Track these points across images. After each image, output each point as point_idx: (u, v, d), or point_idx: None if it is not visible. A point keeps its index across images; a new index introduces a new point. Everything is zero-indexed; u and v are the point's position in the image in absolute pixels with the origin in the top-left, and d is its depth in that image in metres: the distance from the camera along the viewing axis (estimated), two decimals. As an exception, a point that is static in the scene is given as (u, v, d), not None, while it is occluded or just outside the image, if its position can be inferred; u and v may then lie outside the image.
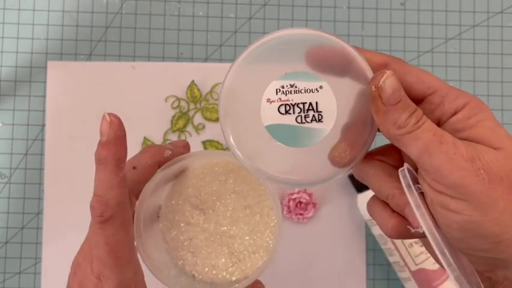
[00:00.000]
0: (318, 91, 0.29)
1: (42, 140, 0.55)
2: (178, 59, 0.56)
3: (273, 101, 0.28)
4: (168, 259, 0.36)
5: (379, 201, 0.31)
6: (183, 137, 0.55)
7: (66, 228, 0.54)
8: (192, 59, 0.56)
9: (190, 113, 0.55)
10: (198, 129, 0.55)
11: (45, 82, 0.55)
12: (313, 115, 0.29)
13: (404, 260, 0.50)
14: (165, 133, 0.55)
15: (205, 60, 0.56)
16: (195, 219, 0.36)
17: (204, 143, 0.55)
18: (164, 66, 0.56)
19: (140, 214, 0.35)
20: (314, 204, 0.54)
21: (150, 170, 0.35)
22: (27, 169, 0.55)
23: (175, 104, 0.55)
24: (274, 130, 0.29)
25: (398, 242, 0.50)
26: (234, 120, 0.28)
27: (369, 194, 0.51)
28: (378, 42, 0.57)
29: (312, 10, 0.57)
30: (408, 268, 0.50)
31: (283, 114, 0.28)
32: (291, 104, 0.28)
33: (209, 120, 0.55)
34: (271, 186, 0.35)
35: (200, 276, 0.36)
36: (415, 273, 0.50)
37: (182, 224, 0.36)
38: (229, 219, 0.36)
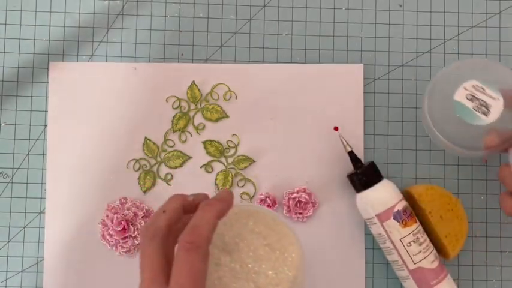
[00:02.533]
0: (493, 99, 0.47)
1: (44, 140, 0.55)
2: (179, 59, 0.56)
3: (467, 90, 0.48)
4: None
5: None
6: (183, 137, 0.56)
7: (68, 227, 0.54)
8: (192, 60, 0.56)
9: (191, 113, 0.56)
10: (199, 129, 0.56)
11: (47, 83, 0.56)
12: (484, 110, 0.47)
13: (402, 259, 0.51)
14: (166, 133, 0.55)
15: (206, 61, 0.56)
16: (222, 260, 0.40)
17: (204, 143, 0.55)
18: (165, 67, 0.56)
19: None
20: (313, 204, 0.54)
21: (177, 213, 0.39)
22: (29, 169, 0.55)
23: (176, 104, 0.56)
24: (458, 106, 0.48)
25: (396, 241, 0.50)
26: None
27: (368, 193, 0.52)
28: (376, 43, 0.57)
29: (311, 11, 0.57)
30: (406, 267, 0.51)
31: (469, 99, 0.48)
32: (476, 97, 0.48)
33: (209, 120, 0.56)
34: (288, 225, 0.41)
35: None
36: (414, 272, 0.51)
37: (212, 266, 0.40)
38: (252, 258, 0.40)
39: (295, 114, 0.56)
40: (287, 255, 0.41)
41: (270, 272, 0.40)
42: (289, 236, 0.41)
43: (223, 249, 0.41)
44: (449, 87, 0.48)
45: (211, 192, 0.55)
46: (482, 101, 0.48)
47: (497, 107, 0.47)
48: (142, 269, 0.38)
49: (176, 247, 0.37)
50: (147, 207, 0.55)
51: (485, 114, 0.47)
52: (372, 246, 0.55)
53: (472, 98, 0.48)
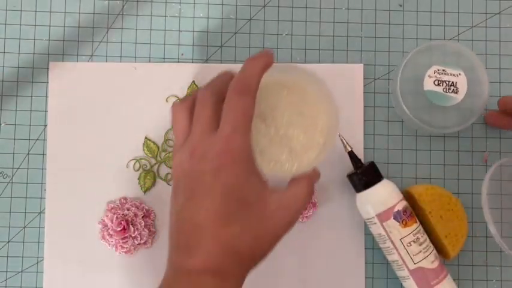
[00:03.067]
0: (456, 76, 0.53)
1: (44, 140, 0.55)
2: (179, 59, 0.56)
3: (431, 77, 0.53)
4: None
5: None
6: (183, 137, 0.55)
7: (68, 227, 0.54)
8: (192, 60, 0.56)
9: (191, 113, 0.56)
10: (199, 129, 0.56)
11: (47, 83, 0.56)
12: (453, 89, 0.53)
13: (402, 259, 0.51)
14: (166, 133, 0.55)
15: (206, 61, 0.56)
16: (258, 126, 0.43)
17: (204, 143, 0.55)
18: (165, 67, 0.56)
19: None
20: (313, 204, 0.54)
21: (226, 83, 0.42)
22: (29, 169, 0.55)
23: (176, 104, 0.56)
24: (430, 94, 0.53)
25: (396, 241, 0.50)
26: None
27: (368, 193, 0.52)
28: (376, 43, 0.57)
29: (311, 11, 0.57)
30: (406, 267, 0.51)
31: (436, 85, 0.53)
32: (441, 80, 0.53)
33: (209, 120, 0.55)
34: (323, 96, 0.44)
35: (266, 172, 0.42)
36: (414, 272, 0.51)
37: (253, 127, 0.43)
38: (286, 124, 0.44)
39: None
40: (317, 122, 0.44)
41: (302, 137, 0.44)
42: (320, 106, 0.44)
43: (259, 116, 0.43)
44: (414, 74, 0.54)
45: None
46: (448, 81, 0.53)
47: (462, 81, 0.53)
48: (197, 118, 0.40)
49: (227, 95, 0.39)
50: (147, 207, 0.55)
51: (456, 92, 0.53)
52: (372, 246, 0.55)
53: (439, 82, 0.53)
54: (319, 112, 0.44)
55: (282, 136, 0.44)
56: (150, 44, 0.56)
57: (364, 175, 0.52)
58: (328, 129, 0.44)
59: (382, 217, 0.51)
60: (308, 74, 0.45)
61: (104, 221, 0.54)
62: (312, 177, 0.43)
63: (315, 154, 0.44)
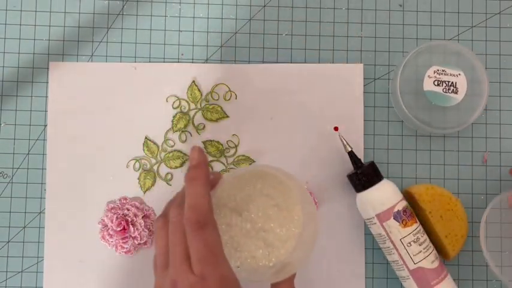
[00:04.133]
0: (456, 76, 0.53)
1: (44, 140, 0.55)
2: (179, 59, 0.56)
3: (431, 77, 0.53)
4: None
5: None
6: (183, 137, 0.56)
7: (68, 227, 0.54)
8: (192, 60, 0.56)
9: (191, 113, 0.56)
10: (199, 129, 0.56)
11: (47, 83, 0.56)
12: (453, 89, 0.53)
13: (402, 259, 0.51)
14: (166, 133, 0.55)
15: (206, 61, 0.56)
16: (233, 220, 0.43)
17: (204, 142, 0.55)
18: (165, 67, 0.56)
19: None
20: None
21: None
22: (29, 169, 0.55)
23: (176, 104, 0.56)
24: (430, 95, 0.53)
25: (397, 241, 0.50)
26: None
27: (368, 193, 0.52)
28: (376, 43, 0.57)
29: (311, 11, 0.57)
30: (407, 267, 0.51)
31: (436, 85, 0.53)
32: (441, 80, 0.53)
33: (209, 120, 0.56)
34: (297, 187, 0.43)
35: (243, 267, 0.43)
36: (414, 272, 0.51)
37: (223, 226, 0.43)
38: (262, 217, 0.43)
39: (295, 114, 0.56)
40: (293, 214, 0.43)
41: (278, 230, 0.43)
42: (294, 197, 0.43)
43: (234, 210, 0.43)
44: (414, 74, 0.54)
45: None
46: (448, 81, 0.53)
47: (462, 81, 0.53)
48: (172, 252, 0.39)
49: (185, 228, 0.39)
50: (147, 207, 0.55)
51: (455, 92, 0.53)
52: (372, 246, 0.55)
53: (439, 82, 0.53)
54: (294, 203, 0.43)
55: (258, 230, 0.43)
56: (150, 44, 0.56)
57: (364, 175, 0.52)
58: (305, 219, 0.43)
59: (382, 217, 0.51)
60: (276, 168, 0.44)
61: (104, 221, 0.54)
62: (290, 282, 0.43)
63: (292, 246, 0.43)
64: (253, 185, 0.44)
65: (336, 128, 0.56)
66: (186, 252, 0.38)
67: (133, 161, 0.55)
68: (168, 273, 0.39)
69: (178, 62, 0.56)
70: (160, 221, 0.41)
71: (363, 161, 0.54)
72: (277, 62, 0.56)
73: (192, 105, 0.56)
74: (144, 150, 0.55)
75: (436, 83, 0.53)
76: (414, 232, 0.51)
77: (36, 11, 0.56)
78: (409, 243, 0.50)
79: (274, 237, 0.43)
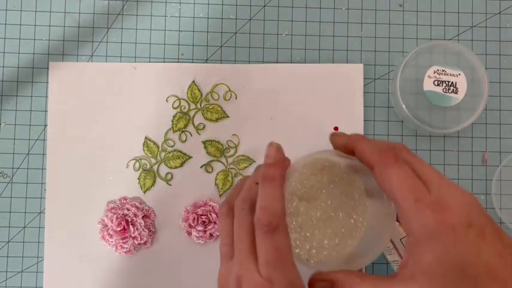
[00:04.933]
0: (456, 76, 0.53)
1: (44, 140, 0.55)
2: (179, 59, 0.56)
3: (431, 77, 0.53)
4: None
5: None
6: (183, 137, 0.56)
7: (68, 227, 0.54)
8: (192, 60, 0.56)
9: (191, 113, 0.56)
10: (199, 129, 0.56)
11: (47, 83, 0.56)
12: (453, 89, 0.53)
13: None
14: (166, 133, 0.55)
15: (206, 61, 0.56)
16: (301, 209, 0.42)
17: (204, 142, 0.55)
18: (165, 67, 0.56)
19: None
20: (313, 204, 0.54)
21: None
22: (29, 169, 0.55)
23: (176, 104, 0.56)
24: (430, 95, 0.53)
25: (397, 241, 0.50)
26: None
27: (367, 193, 0.52)
28: (376, 43, 0.57)
29: (311, 11, 0.57)
30: (407, 267, 0.51)
31: (436, 85, 0.53)
32: (441, 80, 0.53)
33: (209, 120, 0.56)
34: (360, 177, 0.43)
35: (313, 260, 0.42)
36: (414, 271, 0.51)
37: (292, 215, 0.42)
38: (331, 206, 0.43)
39: (295, 114, 0.56)
40: (359, 203, 0.43)
41: (347, 219, 0.42)
42: (359, 187, 0.43)
43: (303, 198, 0.42)
44: (414, 74, 0.54)
45: (211, 191, 0.55)
46: (448, 81, 0.53)
47: (462, 81, 0.53)
48: (238, 240, 0.38)
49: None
50: (147, 207, 0.55)
51: (455, 92, 0.53)
52: (372, 246, 0.55)
53: (439, 82, 0.53)
54: (361, 193, 0.43)
55: (325, 219, 0.42)
56: (150, 44, 0.56)
57: (364, 175, 0.52)
58: (373, 210, 0.42)
59: (382, 217, 0.51)
60: (340, 155, 0.43)
61: (104, 221, 0.54)
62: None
63: (359, 237, 0.42)
64: (320, 173, 0.43)
65: (336, 128, 0.56)
66: (252, 250, 0.37)
67: (133, 161, 0.55)
68: (233, 265, 0.38)
69: (178, 62, 0.56)
70: (224, 208, 0.40)
71: (363, 161, 0.54)
72: (277, 62, 0.56)
73: (192, 105, 0.56)
74: (144, 150, 0.55)
75: (436, 83, 0.53)
76: (414, 232, 0.51)
77: (36, 11, 0.56)
78: (409, 243, 0.50)
79: (343, 227, 0.42)
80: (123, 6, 0.57)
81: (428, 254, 0.33)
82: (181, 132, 0.56)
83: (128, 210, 0.54)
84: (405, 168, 0.36)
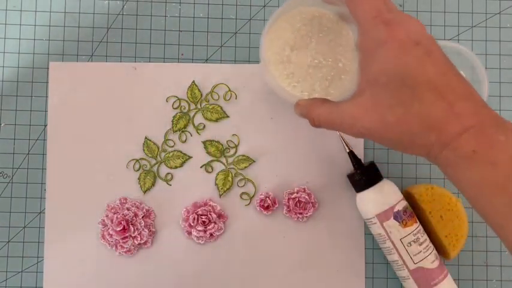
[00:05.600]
0: None
1: (44, 140, 0.55)
2: (179, 59, 0.56)
3: None
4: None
5: None
6: (183, 137, 0.56)
7: (68, 227, 0.54)
8: (192, 60, 0.56)
9: (191, 113, 0.56)
10: (199, 129, 0.56)
11: (47, 83, 0.56)
12: None
13: (402, 259, 0.51)
14: (166, 133, 0.55)
15: (206, 61, 0.56)
16: (293, 56, 0.48)
17: (204, 143, 0.55)
18: (165, 67, 0.56)
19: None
20: (313, 204, 0.54)
21: None
22: (29, 169, 0.55)
23: (176, 104, 0.56)
24: None
25: (397, 241, 0.50)
26: None
27: (368, 193, 0.52)
28: (376, 43, 0.57)
29: (311, 11, 0.57)
30: (407, 267, 0.51)
31: None
32: None
33: (209, 120, 0.56)
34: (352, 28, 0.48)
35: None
36: (414, 272, 0.51)
37: (285, 61, 0.48)
38: (319, 53, 0.48)
39: (295, 114, 0.56)
40: (348, 48, 0.48)
41: (334, 63, 0.48)
42: (348, 35, 0.48)
43: (294, 48, 0.48)
44: None
45: (211, 191, 0.55)
46: None
47: None
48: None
49: None
50: (147, 207, 0.55)
51: None
52: (372, 246, 0.55)
53: None
54: (348, 39, 0.48)
55: (315, 65, 0.48)
56: (150, 44, 0.56)
57: (364, 175, 0.52)
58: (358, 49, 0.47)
59: (382, 217, 0.51)
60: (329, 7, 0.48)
61: (103, 221, 0.54)
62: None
63: (348, 79, 0.48)
64: (310, 23, 0.48)
65: (336, 128, 0.56)
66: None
67: (133, 161, 0.55)
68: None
69: (178, 62, 0.56)
70: None
71: (363, 161, 0.54)
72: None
73: (192, 105, 0.56)
74: (144, 150, 0.55)
75: None
76: (414, 232, 0.51)
77: (36, 11, 0.56)
78: (409, 243, 0.50)
79: (332, 71, 0.48)
80: (123, 6, 0.57)
81: (375, 65, 0.37)
82: (181, 132, 0.56)
83: (128, 210, 0.54)
84: None
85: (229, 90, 0.56)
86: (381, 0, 0.39)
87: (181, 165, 0.55)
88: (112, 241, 0.54)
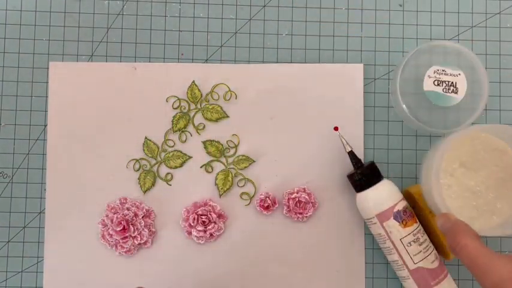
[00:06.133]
0: (456, 76, 0.53)
1: (44, 140, 0.55)
2: (179, 59, 0.56)
3: (431, 77, 0.53)
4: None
5: None
6: (183, 137, 0.56)
7: (68, 227, 0.54)
8: (192, 60, 0.56)
9: (191, 113, 0.56)
10: (199, 129, 0.56)
11: (47, 82, 0.56)
12: (453, 89, 0.53)
13: (402, 259, 0.51)
14: (166, 133, 0.55)
15: (206, 61, 0.56)
16: (458, 172, 0.48)
17: (204, 143, 0.55)
18: (165, 67, 0.56)
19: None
20: (313, 204, 0.54)
21: None
22: (29, 169, 0.55)
23: (176, 104, 0.56)
24: (431, 95, 0.53)
25: (396, 241, 0.50)
26: None
27: (368, 193, 0.52)
28: (376, 43, 0.57)
29: (311, 11, 0.57)
30: (407, 267, 0.51)
31: (436, 85, 0.53)
32: (441, 80, 0.53)
33: (209, 120, 0.56)
34: None
35: None
36: (414, 272, 0.51)
37: (448, 172, 0.48)
38: (483, 183, 0.48)
39: (295, 114, 0.56)
40: None
41: (493, 200, 0.47)
42: None
43: (463, 166, 0.48)
44: (414, 74, 0.55)
45: (211, 191, 0.55)
46: (448, 81, 0.53)
47: (461, 81, 0.54)
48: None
49: None
50: (147, 207, 0.55)
51: (455, 92, 0.53)
52: (372, 246, 0.55)
53: (439, 82, 0.53)
54: None
55: (474, 192, 0.47)
56: (150, 44, 0.56)
57: (364, 175, 0.52)
58: None
59: (382, 217, 0.51)
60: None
61: (103, 221, 0.54)
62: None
63: (496, 224, 0.47)
64: (491, 153, 0.48)
65: (336, 128, 0.56)
66: None
67: (133, 161, 0.55)
68: None
69: (178, 62, 0.56)
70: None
71: (363, 161, 0.54)
72: (277, 62, 0.56)
73: (192, 105, 0.56)
74: (144, 150, 0.55)
75: (436, 83, 0.53)
76: (414, 232, 0.51)
77: (36, 11, 0.56)
78: (409, 243, 0.50)
79: (486, 206, 0.47)
80: (123, 6, 0.57)
81: None
82: (181, 132, 0.56)
83: (128, 210, 0.54)
84: None
85: (229, 90, 0.56)
86: None
87: (181, 165, 0.55)
88: (112, 241, 0.54)
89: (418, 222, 0.52)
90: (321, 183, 0.55)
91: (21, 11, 0.56)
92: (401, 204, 0.51)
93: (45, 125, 0.55)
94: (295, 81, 0.56)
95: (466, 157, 0.48)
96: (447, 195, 0.47)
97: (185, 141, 0.56)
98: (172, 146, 0.55)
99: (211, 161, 0.55)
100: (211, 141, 0.55)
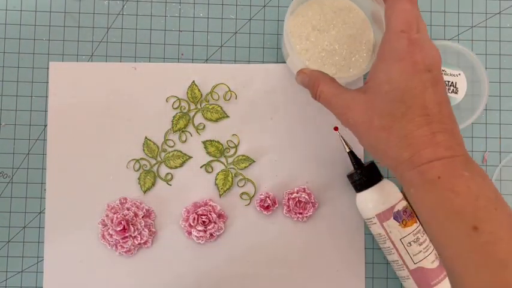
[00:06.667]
0: (456, 76, 0.54)
1: (44, 140, 0.55)
2: (179, 59, 0.56)
3: None
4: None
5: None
6: (183, 137, 0.56)
7: (68, 227, 0.54)
8: (192, 60, 0.56)
9: (191, 113, 0.56)
10: (199, 129, 0.56)
11: (47, 82, 0.56)
12: (453, 89, 0.54)
13: (402, 259, 0.51)
14: (166, 133, 0.55)
15: (206, 61, 0.56)
16: (311, 36, 0.51)
17: (204, 142, 0.55)
18: (165, 67, 0.56)
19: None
20: (313, 204, 0.54)
21: None
22: (29, 169, 0.55)
23: (176, 104, 0.56)
24: None
25: (397, 241, 0.50)
26: None
27: (368, 193, 0.52)
28: (376, 43, 0.57)
29: (311, 11, 0.57)
30: (407, 267, 0.51)
31: None
32: None
33: (209, 120, 0.56)
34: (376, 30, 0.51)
35: None
36: (414, 271, 0.51)
37: (303, 37, 0.51)
38: (337, 41, 0.51)
39: (295, 114, 0.56)
40: (364, 47, 0.51)
41: (348, 55, 0.51)
42: (371, 34, 0.51)
43: (315, 28, 0.51)
44: None
45: (211, 191, 0.55)
46: (448, 81, 0.53)
47: (462, 81, 0.54)
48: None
49: None
50: (147, 207, 0.55)
51: (455, 92, 0.53)
52: (372, 246, 0.55)
53: None
54: (368, 38, 0.51)
55: (330, 50, 0.51)
56: (150, 44, 0.56)
57: (364, 175, 0.52)
58: (374, 55, 0.50)
59: (382, 217, 0.51)
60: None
61: (103, 221, 0.54)
62: None
63: (355, 74, 0.50)
64: (339, 11, 0.51)
65: (336, 128, 0.56)
66: None
67: (133, 161, 0.55)
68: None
69: (178, 62, 0.56)
70: None
71: (363, 161, 0.54)
72: (277, 62, 0.56)
73: (192, 105, 0.56)
74: (144, 150, 0.55)
75: None
76: (414, 232, 0.51)
77: (36, 11, 0.56)
78: (409, 243, 0.50)
79: (344, 61, 0.51)
80: (123, 6, 0.57)
81: (385, 73, 0.40)
82: (181, 132, 0.56)
83: (128, 210, 0.54)
84: (413, 5, 0.41)
85: (229, 90, 0.56)
86: (416, 17, 0.41)
87: (181, 165, 0.55)
88: (112, 241, 0.54)
89: (418, 222, 0.52)
90: (321, 183, 0.55)
91: (21, 11, 0.56)
92: (401, 204, 0.51)
93: (45, 125, 0.55)
94: (295, 81, 0.56)
95: (316, 20, 0.51)
96: (306, 58, 0.51)
97: (185, 141, 0.56)
98: (172, 146, 0.55)
99: (211, 161, 0.55)
100: (211, 141, 0.55)
